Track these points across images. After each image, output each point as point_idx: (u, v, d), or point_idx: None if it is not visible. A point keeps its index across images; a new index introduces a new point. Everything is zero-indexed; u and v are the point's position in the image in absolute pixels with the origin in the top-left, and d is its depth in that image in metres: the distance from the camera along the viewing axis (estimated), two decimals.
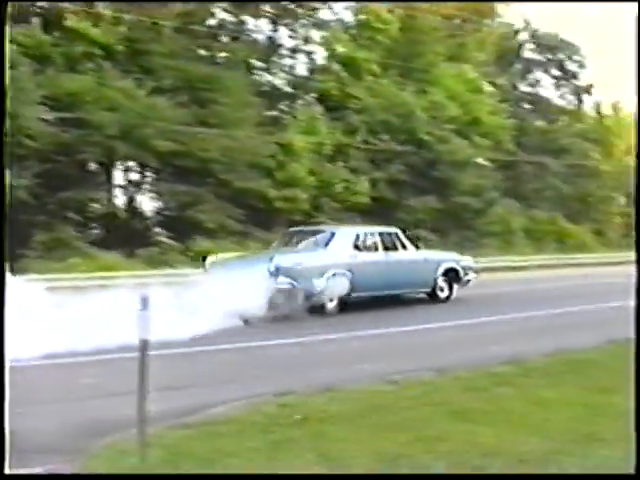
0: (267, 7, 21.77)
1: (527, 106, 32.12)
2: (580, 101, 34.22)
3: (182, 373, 6.64)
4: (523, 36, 32.54)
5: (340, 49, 23.07)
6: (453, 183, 24.53)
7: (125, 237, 17.60)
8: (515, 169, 29.15)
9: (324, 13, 23.24)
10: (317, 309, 10.26)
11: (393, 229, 12.32)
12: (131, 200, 19.53)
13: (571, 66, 33.62)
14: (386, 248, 11.64)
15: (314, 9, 22.86)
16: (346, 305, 10.89)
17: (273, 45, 22.89)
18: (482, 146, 25.97)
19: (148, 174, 19.67)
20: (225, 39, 21.38)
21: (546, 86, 33.39)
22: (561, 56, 33.33)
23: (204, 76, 19.13)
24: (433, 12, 26.22)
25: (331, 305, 10.65)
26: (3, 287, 3.68)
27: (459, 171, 24.72)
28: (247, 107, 19.85)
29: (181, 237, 17.83)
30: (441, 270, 12.20)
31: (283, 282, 10.00)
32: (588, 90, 34.09)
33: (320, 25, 23.26)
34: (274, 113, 22.32)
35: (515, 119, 28.69)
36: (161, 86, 18.35)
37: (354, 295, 11.02)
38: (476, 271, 13.19)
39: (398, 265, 11.58)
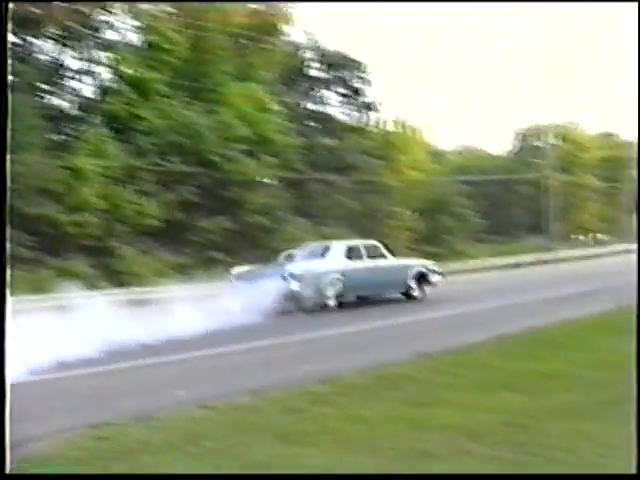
0: (52, 28, 24.72)
1: (315, 124, 37.38)
2: (366, 118, 40.27)
3: None
4: (309, 54, 37.84)
5: (128, 70, 26.46)
6: (244, 203, 28.60)
7: None
8: (304, 187, 33.95)
9: (110, 34, 26.58)
10: (321, 307, 14.87)
11: (373, 241, 17.03)
12: None
13: (356, 83, 39.51)
14: (369, 257, 16.06)
15: (97, 29, 26.11)
16: (342, 304, 15.36)
17: (59, 67, 25.84)
18: (271, 165, 30.16)
19: None
20: (9, 61, 23.92)
21: (333, 104, 39.01)
22: (346, 73, 39.10)
23: None
24: (220, 32, 30.46)
25: (331, 303, 15.14)
26: (4, 291, 4.29)
27: (249, 191, 28.89)
28: (35, 131, 22.67)
29: None
30: (412, 274, 16.62)
31: (294, 286, 14.40)
32: (373, 107, 40.26)
33: (107, 46, 26.55)
34: (62, 137, 25.23)
35: (303, 137, 33.62)
36: None
37: (348, 295, 15.57)
38: (442, 274, 17.72)
39: (379, 270, 16.02)
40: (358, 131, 39.29)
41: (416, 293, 16.75)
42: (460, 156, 58.35)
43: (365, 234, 34.87)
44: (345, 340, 11.64)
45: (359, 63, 38.70)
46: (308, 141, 33.82)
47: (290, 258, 16.19)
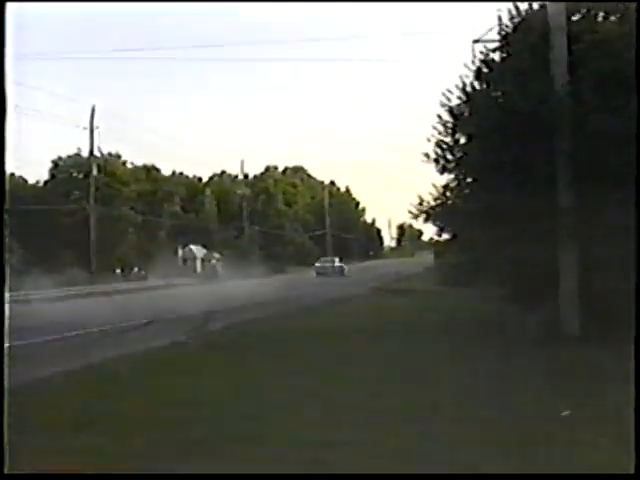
0: None
1: None
2: None
3: None
4: None
5: None
6: None
7: None
8: None
9: None
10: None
11: (337, 258, 78.65)
12: None
13: None
14: (340, 262, 75.27)
15: None
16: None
17: None
18: None
19: None
20: None
21: None
22: None
23: None
24: None
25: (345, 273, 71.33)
26: (3, 287, 5.31)
27: None
28: None
29: None
30: (344, 268, 71.82)
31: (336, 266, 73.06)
32: None
33: None
34: None
35: None
36: None
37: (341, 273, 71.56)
38: (348, 269, 73.90)
39: (340, 266, 72.31)
40: None
41: (344, 274, 68.67)
42: None
43: None
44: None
45: None
46: None
47: (328, 261, 75.54)
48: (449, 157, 17.51)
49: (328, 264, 72.48)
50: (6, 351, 6.25)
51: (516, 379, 10.96)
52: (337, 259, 75.97)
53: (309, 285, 48.05)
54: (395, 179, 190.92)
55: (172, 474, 6.21)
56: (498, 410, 8.95)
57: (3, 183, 6.13)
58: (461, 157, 17.36)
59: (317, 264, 73.63)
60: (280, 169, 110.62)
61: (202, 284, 50.01)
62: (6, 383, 10.99)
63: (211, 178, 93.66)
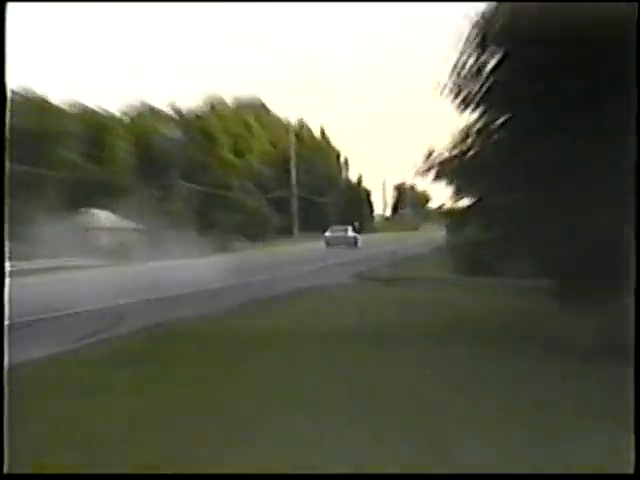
0: None
1: None
2: None
3: None
4: None
5: None
6: None
7: None
8: None
9: None
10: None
11: (350, 226, 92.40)
12: None
13: None
14: (353, 231, 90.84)
15: None
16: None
17: None
18: None
19: None
20: None
21: None
22: None
23: None
24: None
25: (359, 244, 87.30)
26: (3, 283, 6.53)
27: None
28: None
29: None
30: (357, 238, 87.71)
31: (349, 236, 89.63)
32: None
33: None
34: None
35: None
36: None
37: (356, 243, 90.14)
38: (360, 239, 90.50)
39: (353, 237, 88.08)
40: None
41: (357, 245, 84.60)
42: None
43: None
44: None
45: None
46: None
47: (340, 230, 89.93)
48: (473, 87, 16.94)
49: (340, 234, 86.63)
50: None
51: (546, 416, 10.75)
52: (350, 228, 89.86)
53: (262, 270, 46.73)
54: (392, 122, 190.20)
55: (172, 474, 7.57)
56: None
57: (3, 182, 7.19)
58: (491, 86, 16.78)
59: (327, 234, 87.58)
60: (228, 102, 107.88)
61: (107, 266, 49.44)
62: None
63: (126, 114, 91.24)
